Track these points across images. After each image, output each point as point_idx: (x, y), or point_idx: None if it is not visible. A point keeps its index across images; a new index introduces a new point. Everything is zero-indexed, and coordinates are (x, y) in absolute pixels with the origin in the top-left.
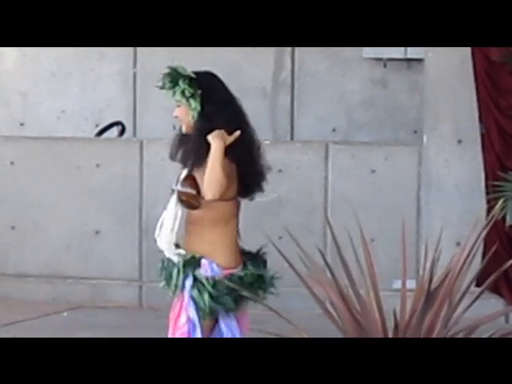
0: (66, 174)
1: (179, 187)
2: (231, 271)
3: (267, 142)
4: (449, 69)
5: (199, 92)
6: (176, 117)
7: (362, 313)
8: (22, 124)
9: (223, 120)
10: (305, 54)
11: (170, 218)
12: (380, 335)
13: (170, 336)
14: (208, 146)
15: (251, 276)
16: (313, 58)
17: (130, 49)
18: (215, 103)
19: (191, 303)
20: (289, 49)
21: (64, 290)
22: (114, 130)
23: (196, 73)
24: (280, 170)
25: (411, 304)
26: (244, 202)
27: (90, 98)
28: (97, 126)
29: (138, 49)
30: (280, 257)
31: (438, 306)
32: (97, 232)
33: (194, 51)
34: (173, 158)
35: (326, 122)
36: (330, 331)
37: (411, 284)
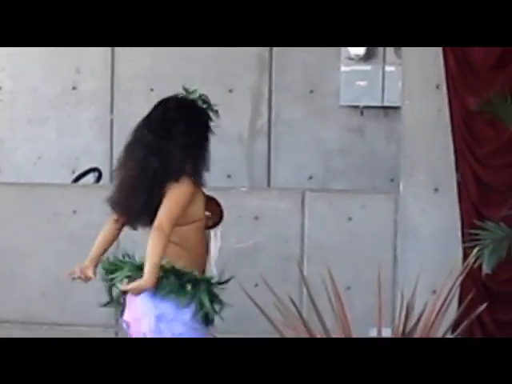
0: (42, 220)
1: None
2: None
3: (244, 189)
4: (426, 117)
5: None
6: None
7: None
8: None
9: None
10: (281, 101)
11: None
12: None
13: None
14: None
15: None
16: (289, 106)
17: (108, 95)
18: None
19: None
20: (266, 96)
21: (40, 336)
22: (91, 177)
23: None
24: (256, 217)
25: None
26: (221, 249)
27: (66, 144)
28: (73, 172)
29: (115, 95)
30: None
31: None
32: (73, 278)
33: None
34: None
35: (302, 169)
36: None
37: (387, 332)
